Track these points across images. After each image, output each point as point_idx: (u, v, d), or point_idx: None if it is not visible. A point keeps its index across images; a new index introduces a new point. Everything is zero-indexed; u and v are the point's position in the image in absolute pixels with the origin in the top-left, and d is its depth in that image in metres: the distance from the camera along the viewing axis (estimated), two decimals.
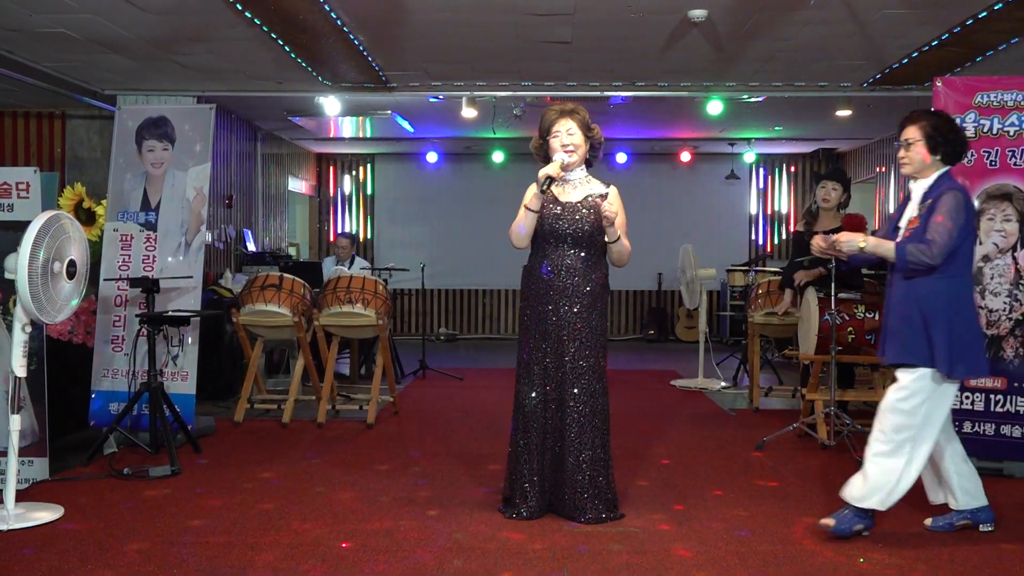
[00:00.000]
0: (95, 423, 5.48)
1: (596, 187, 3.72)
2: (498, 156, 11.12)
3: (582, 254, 3.64)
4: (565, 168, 3.64)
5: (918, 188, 3.57)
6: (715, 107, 7.47)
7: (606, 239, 3.62)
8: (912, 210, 3.58)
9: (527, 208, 3.58)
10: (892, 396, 3.52)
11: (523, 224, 3.58)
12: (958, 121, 4.67)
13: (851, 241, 3.59)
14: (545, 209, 3.63)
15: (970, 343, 3.48)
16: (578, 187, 3.68)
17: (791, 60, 6.30)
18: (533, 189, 3.63)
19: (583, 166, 3.73)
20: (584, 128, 3.66)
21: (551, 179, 3.51)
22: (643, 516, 3.88)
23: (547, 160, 3.72)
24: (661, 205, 11.50)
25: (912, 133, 3.55)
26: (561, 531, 3.66)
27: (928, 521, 3.81)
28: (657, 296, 11.80)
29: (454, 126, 9.39)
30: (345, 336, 6.34)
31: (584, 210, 3.64)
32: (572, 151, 3.63)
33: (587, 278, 3.65)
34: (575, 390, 3.61)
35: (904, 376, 3.51)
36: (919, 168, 3.55)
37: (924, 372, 3.46)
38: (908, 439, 3.47)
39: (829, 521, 3.61)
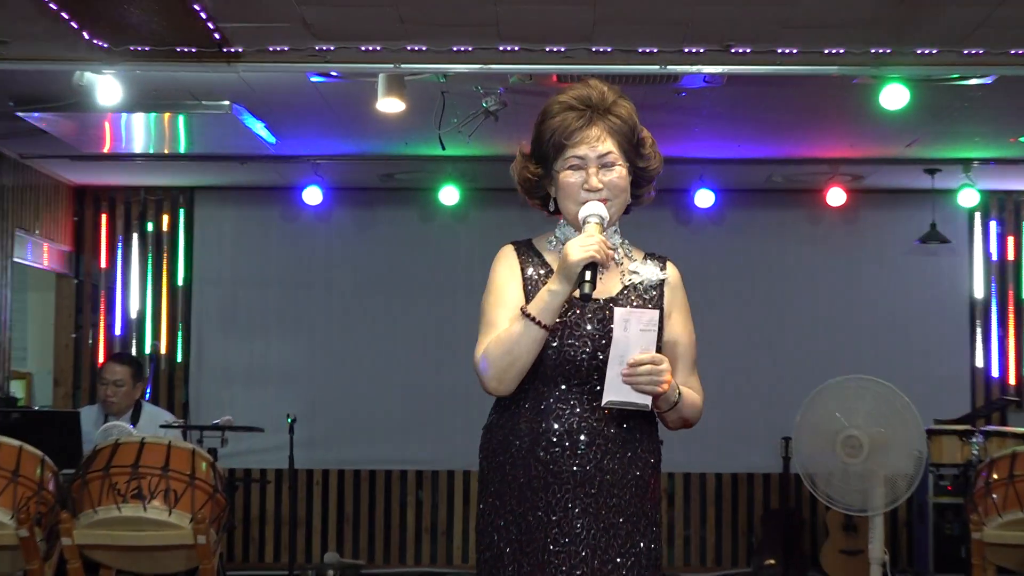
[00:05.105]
0: None
1: (646, 269, 3.38)
2: (449, 194, 9.66)
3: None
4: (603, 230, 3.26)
5: None
6: (895, 97, 6.69)
7: (659, 408, 3.23)
8: None
9: (532, 320, 3.16)
10: None
11: (517, 350, 3.19)
12: None
13: None
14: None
15: None
16: (610, 267, 3.30)
17: None
18: (509, 264, 3.35)
19: (618, 223, 3.35)
20: (630, 143, 3.23)
21: (595, 267, 3.09)
22: None
23: (543, 203, 3.35)
24: (786, 295, 9.86)
25: None
26: None
27: None
28: (781, 486, 9.61)
29: (360, 133, 8.25)
30: (128, 569, 6.26)
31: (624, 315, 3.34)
32: (608, 198, 3.22)
33: (630, 455, 3.28)
34: None
35: None
36: None
37: None
38: None
39: None
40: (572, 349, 3.26)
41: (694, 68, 6.53)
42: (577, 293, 3.17)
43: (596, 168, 3.25)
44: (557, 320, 3.24)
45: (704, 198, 9.69)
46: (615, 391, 3.20)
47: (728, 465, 10.04)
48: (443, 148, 7.89)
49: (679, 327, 3.41)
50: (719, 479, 10.06)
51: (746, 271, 10.02)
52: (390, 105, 6.80)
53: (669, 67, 6.47)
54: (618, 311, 3.19)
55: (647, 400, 3.18)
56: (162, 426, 7.25)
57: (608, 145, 3.25)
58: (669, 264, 3.41)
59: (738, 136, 8.39)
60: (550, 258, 3.34)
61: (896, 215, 9.90)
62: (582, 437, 3.29)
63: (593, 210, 3.23)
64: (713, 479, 10.17)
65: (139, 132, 8.30)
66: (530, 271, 3.38)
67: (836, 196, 9.39)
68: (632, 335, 3.20)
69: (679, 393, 3.22)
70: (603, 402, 3.19)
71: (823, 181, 9.37)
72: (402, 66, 6.59)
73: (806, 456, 8.16)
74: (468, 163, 8.90)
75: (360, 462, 9.88)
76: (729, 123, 8.09)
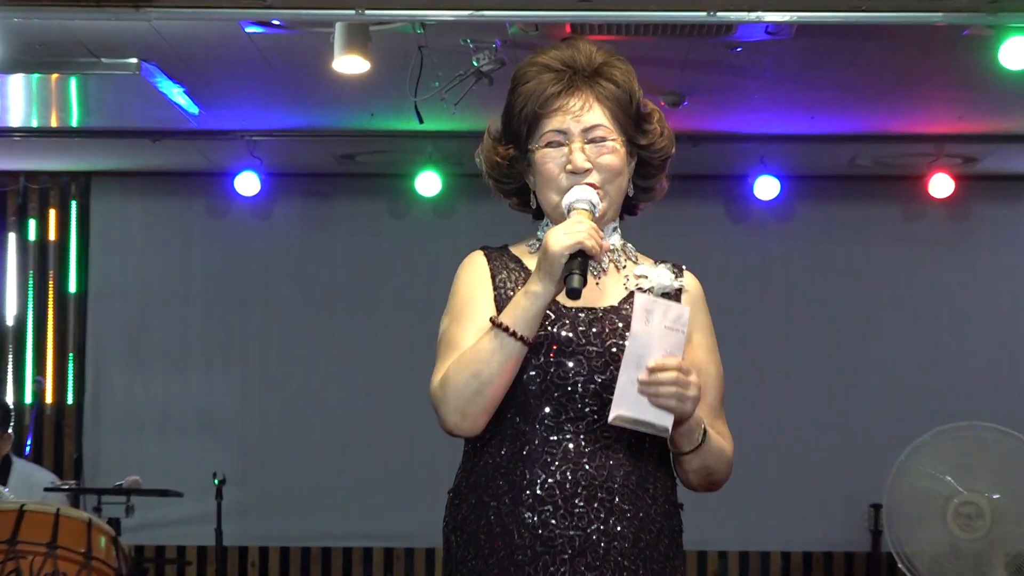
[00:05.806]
0: None
1: (656, 273, 3.13)
2: (428, 182, 9.39)
3: (626, 450, 3.02)
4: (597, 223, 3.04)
5: None
6: (1018, 53, 6.36)
7: (677, 446, 2.99)
8: None
9: (505, 331, 2.87)
10: None
11: (487, 372, 2.89)
12: None
13: None
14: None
15: None
16: (609, 270, 3.09)
17: None
18: (477, 271, 3.13)
19: (617, 219, 3.06)
20: (627, 114, 2.98)
21: (585, 258, 2.82)
22: None
23: (521, 199, 3.09)
24: (874, 315, 9.19)
25: None
26: None
27: None
28: (869, 568, 8.97)
29: (311, 102, 7.91)
30: None
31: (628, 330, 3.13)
32: (598, 184, 2.95)
33: (642, 515, 2.95)
34: None
35: None
36: None
37: None
38: None
39: None
40: (561, 370, 2.97)
41: (753, 15, 6.07)
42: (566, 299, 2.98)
43: (581, 143, 3.00)
44: (540, 333, 2.94)
45: (766, 187, 8.94)
46: (627, 404, 2.88)
47: (799, 542, 9.19)
48: (420, 122, 7.36)
49: (702, 353, 3.09)
50: (786, 560, 9.21)
51: (821, 283, 9.25)
52: (351, 64, 6.30)
53: (720, 14, 6.00)
54: (639, 298, 2.98)
55: (667, 422, 2.86)
56: (47, 489, 6.88)
57: (596, 115, 3.00)
58: (687, 272, 3.16)
59: (811, 106, 7.84)
60: (530, 262, 3.07)
61: (1018, 209, 9.34)
62: (579, 490, 2.99)
63: (580, 195, 2.95)
64: (779, 559, 9.50)
65: (17, 100, 7.87)
66: (503, 276, 3.09)
67: (941, 184, 8.65)
68: (655, 331, 2.94)
69: (704, 431, 2.93)
70: (610, 417, 2.90)
71: (924, 165, 8.66)
72: (366, 12, 6.06)
73: (903, 530, 7.77)
74: (453, 141, 8.11)
75: (310, 537, 9.06)
76: (799, 88, 7.56)
